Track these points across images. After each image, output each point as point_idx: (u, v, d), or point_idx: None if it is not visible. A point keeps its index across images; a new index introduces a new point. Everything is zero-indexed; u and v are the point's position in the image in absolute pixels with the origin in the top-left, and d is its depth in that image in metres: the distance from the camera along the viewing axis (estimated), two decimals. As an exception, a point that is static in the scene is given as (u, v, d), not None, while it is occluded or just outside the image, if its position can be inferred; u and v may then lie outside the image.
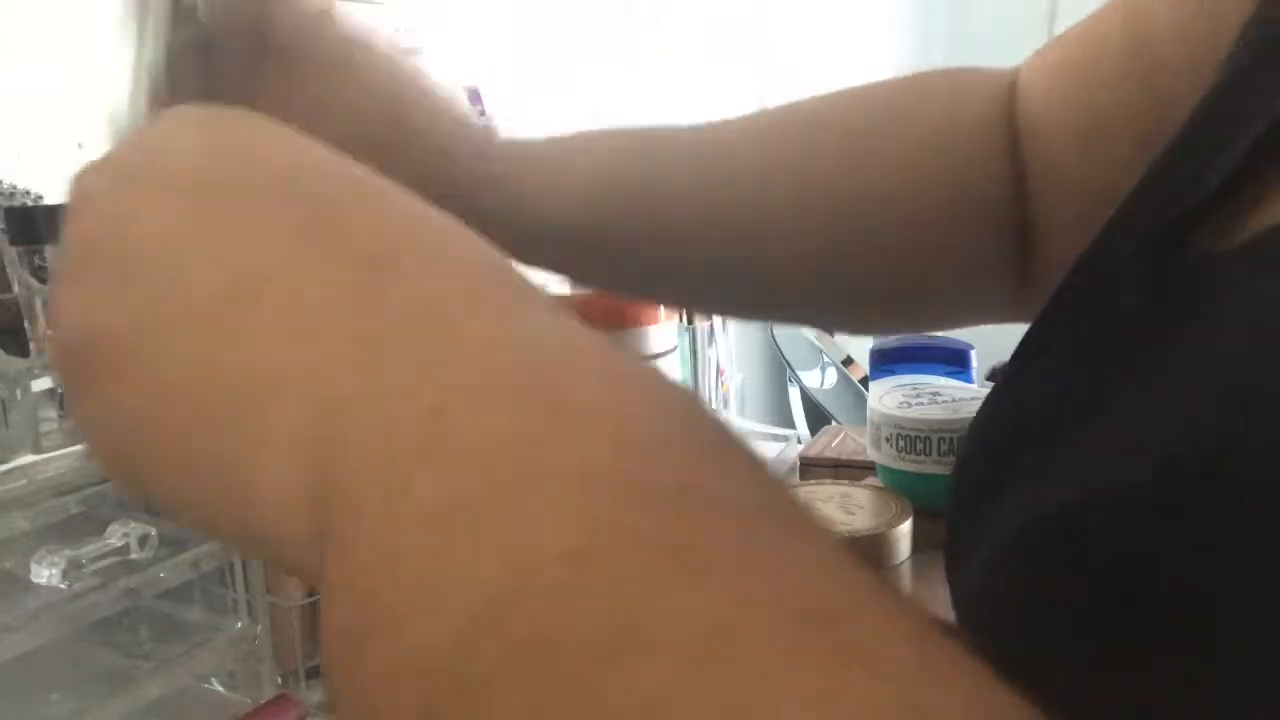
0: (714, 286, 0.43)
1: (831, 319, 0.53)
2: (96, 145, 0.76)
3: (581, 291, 0.90)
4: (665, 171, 0.41)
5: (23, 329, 0.47)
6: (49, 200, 0.54)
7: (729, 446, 0.15)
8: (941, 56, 2.30)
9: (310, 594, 0.60)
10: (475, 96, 1.00)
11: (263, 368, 0.16)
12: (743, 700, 0.11)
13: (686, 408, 0.16)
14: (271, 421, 0.16)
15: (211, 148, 0.20)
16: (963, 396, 0.75)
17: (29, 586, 0.45)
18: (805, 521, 0.14)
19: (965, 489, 0.27)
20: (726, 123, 0.43)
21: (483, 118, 0.47)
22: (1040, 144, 0.39)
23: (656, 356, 0.86)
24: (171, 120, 0.22)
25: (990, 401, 0.28)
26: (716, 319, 0.98)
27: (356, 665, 0.14)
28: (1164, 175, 0.25)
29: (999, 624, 0.22)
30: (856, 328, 0.51)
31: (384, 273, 0.17)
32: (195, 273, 0.18)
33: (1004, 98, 0.40)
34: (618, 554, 0.13)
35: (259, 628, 0.54)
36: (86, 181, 0.21)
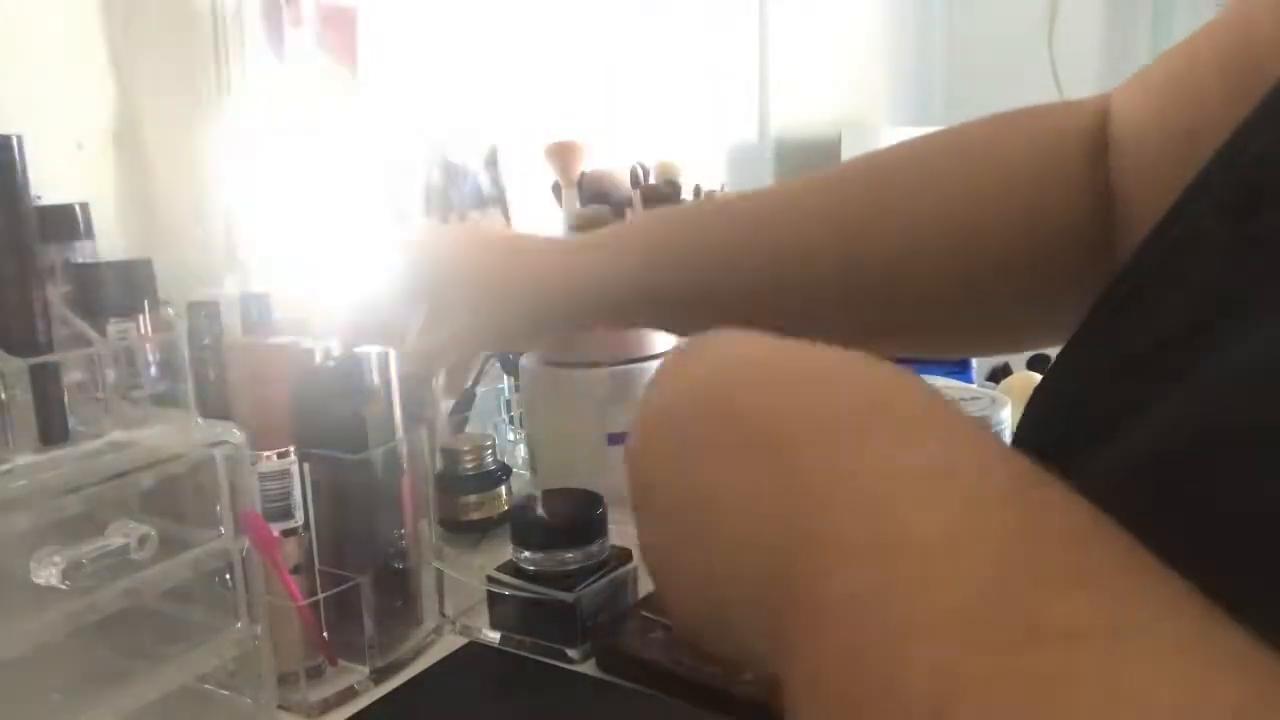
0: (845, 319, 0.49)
1: (950, 345, 0.58)
2: (96, 145, 0.76)
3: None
4: (799, 232, 0.49)
5: (31, 329, 0.47)
6: (49, 200, 0.54)
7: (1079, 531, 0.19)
8: (941, 56, 2.30)
9: (311, 594, 0.60)
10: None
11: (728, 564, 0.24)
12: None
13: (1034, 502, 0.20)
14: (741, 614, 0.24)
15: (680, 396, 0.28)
16: (963, 397, 0.75)
17: (29, 586, 0.45)
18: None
19: (1050, 423, 0.29)
20: (820, 179, 0.51)
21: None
22: (1131, 160, 0.40)
23: (656, 357, 0.86)
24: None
25: (1058, 365, 0.30)
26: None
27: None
28: (1240, 151, 0.27)
29: None
30: (971, 350, 0.57)
31: (784, 452, 0.23)
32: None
33: (1091, 126, 0.43)
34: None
35: (259, 628, 0.54)
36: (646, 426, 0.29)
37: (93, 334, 0.52)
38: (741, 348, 0.27)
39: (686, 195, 0.94)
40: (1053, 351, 0.31)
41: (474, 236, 0.60)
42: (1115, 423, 0.24)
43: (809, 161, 1.68)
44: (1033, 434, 0.29)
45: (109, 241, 0.70)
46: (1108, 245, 0.42)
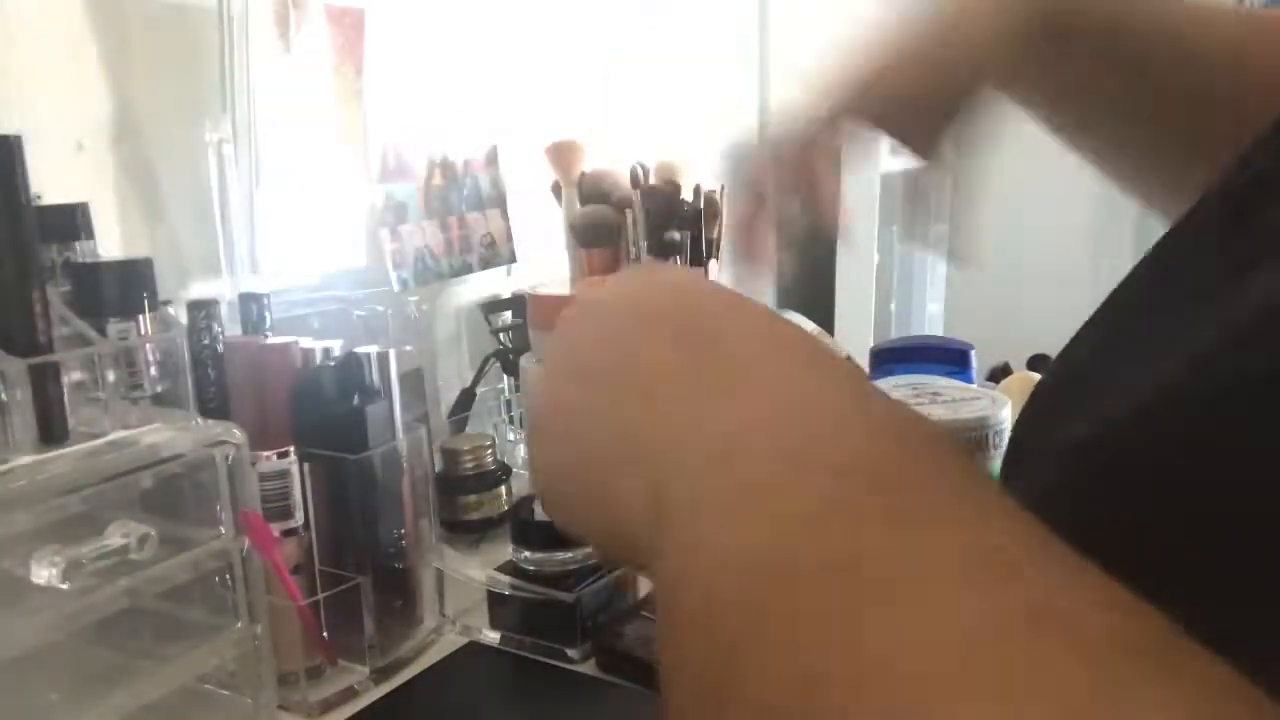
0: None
1: None
2: (96, 145, 0.76)
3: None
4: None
5: (31, 329, 0.47)
6: (49, 200, 0.54)
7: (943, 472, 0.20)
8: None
9: (311, 594, 0.60)
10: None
11: (619, 446, 0.26)
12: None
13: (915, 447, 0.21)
14: (628, 474, 0.25)
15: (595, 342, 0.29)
16: (963, 397, 0.75)
17: (29, 586, 0.45)
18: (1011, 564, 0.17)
19: (1036, 409, 0.29)
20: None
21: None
22: None
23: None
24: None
25: (1071, 343, 0.31)
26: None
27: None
28: (1254, 154, 0.28)
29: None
30: None
31: (706, 356, 0.25)
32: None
33: None
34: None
35: (259, 628, 0.54)
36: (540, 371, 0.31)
37: (93, 334, 0.52)
38: (677, 276, 0.31)
39: (686, 195, 0.94)
40: (1052, 352, 0.32)
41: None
42: (1093, 400, 0.25)
43: (809, 161, 1.68)
44: (1037, 411, 0.30)
45: (109, 241, 0.71)
46: None
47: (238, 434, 0.52)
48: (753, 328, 0.26)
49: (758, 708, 0.17)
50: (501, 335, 0.97)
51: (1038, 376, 0.55)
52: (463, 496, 0.79)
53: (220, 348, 0.63)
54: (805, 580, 0.18)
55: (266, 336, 0.66)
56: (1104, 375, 0.26)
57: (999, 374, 1.19)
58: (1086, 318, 0.31)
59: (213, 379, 0.62)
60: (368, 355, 0.63)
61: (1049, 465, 0.25)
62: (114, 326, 0.54)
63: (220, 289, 0.76)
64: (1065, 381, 0.29)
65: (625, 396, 0.26)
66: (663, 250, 0.94)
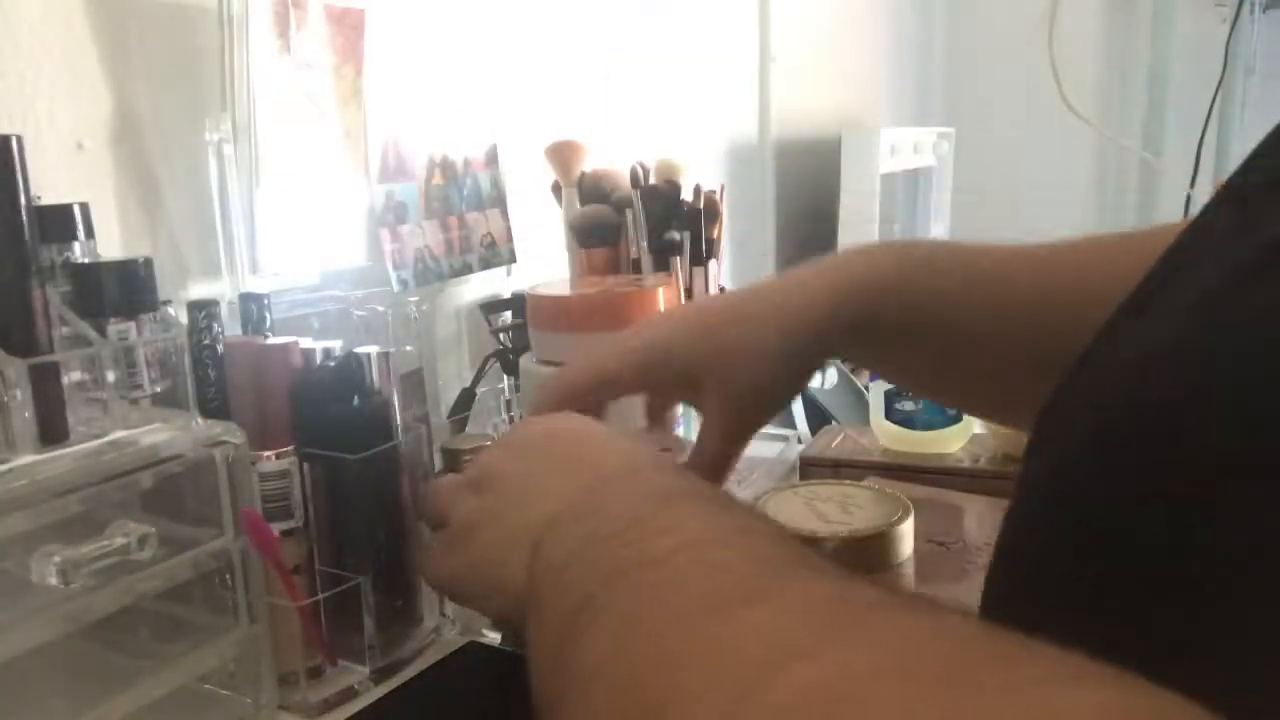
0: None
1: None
2: (96, 145, 0.76)
3: (581, 292, 0.90)
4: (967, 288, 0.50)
5: (31, 329, 0.47)
6: (49, 200, 0.54)
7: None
8: (941, 57, 2.30)
9: (311, 594, 0.60)
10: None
11: (514, 536, 0.37)
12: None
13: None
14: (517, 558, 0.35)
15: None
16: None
17: (29, 586, 0.45)
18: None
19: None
20: (1016, 251, 0.52)
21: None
22: None
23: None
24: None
25: (1079, 364, 0.33)
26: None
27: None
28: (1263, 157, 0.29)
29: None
30: None
31: (599, 487, 0.35)
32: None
33: None
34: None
35: (259, 628, 0.54)
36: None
37: (93, 334, 0.52)
38: (573, 419, 0.43)
39: (686, 195, 0.94)
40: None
41: (693, 307, 0.52)
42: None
43: (809, 161, 1.68)
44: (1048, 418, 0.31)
45: (109, 241, 0.71)
46: None
47: (238, 434, 0.52)
48: (599, 440, 0.40)
49: (588, 656, 0.25)
50: (501, 335, 0.97)
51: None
52: (463, 496, 0.79)
53: (220, 348, 0.63)
54: (607, 556, 0.28)
55: (267, 336, 0.66)
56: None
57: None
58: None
59: (213, 379, 0.62)
60: (368, 355, 0.63)
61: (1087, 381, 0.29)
62: (114, 326, 0.54)
63: (220, 289, 0.76)
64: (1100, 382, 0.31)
65: (515, 503, 0.38)
66: (662, 250, 0.94)
